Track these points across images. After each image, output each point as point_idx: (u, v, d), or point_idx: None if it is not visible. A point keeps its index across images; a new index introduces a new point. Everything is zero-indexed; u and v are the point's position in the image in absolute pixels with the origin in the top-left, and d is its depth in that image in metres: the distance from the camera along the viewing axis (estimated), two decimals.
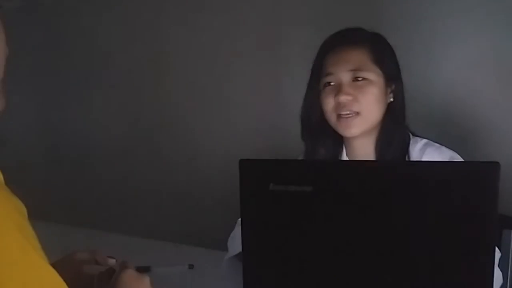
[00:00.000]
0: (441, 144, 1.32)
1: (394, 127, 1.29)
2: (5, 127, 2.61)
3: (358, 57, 1.27)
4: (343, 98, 1.25)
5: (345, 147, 1.35)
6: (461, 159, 1.28)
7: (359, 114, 1.25)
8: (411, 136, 1.32)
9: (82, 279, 0.96)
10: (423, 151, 1.29)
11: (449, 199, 0.84)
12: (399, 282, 0.87)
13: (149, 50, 2.37)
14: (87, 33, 2.51)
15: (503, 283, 1.23)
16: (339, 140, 1.35)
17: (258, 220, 0.91)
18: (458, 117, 1.74)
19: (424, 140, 1.32)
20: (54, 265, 0.64)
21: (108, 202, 2.49)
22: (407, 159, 1.28)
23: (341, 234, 0.88)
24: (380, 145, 1.30)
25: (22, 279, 0.60)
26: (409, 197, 0.85)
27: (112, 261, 0.99)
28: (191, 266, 1.36)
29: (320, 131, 1.33)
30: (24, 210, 0.63)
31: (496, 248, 1.06)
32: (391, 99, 1.30)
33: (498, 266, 1.19)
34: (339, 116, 1.26)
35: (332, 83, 1.28)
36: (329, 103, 1.28)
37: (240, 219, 0.92)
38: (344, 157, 1.35)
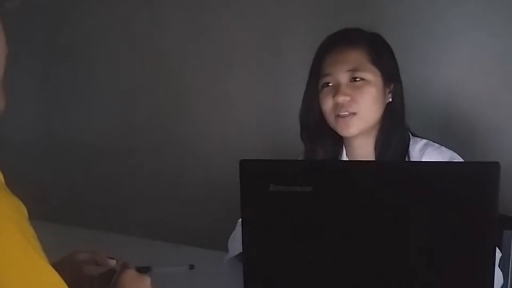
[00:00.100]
0: (441, 144, 1.32)
1: (393, 127, 1.30)
2: (5, 127, 2.61)
3: (356, 57, 1.27)
4: (341, 98, 1.25)
5: (345, 147, 1.35)
6: (461, 159, 1.28)
7: (357, 114, 1.25)
8: (411, 136, 1.32)
9: (83, 280, 0.96)
10: (423, 151, 1.29)
11: (449, 199, 0.84)
12: (400, 282, 0.87)
13: (149, 51, 2.37)
14: (87, 33, 2.50)
15: (503, 283, 1.23)
16: (339, 141, 1.35)
17: (258, 220, 0.91)
18: (458, 117, 1.74)
19: (424, 141, 1.32)
20: (55, 265, 0.64)
21: (109, 202, 2.49)
22: (407, 159, 1.28)
23: (341, 234, 0.88)
24: (380, 145, 1.30)
25: (23, 279, 0.60)
26: (409, 198, 0.86)
27: (112, 262, 0.99)
28: (191, 267, 1.36)
29: (320, 131, 1.33)
30: (24, 210, 0.63)
31: (497, 248, 1.06)
32: (390, 99, 1.30)
33: (499, 266, 1.19)
34: (337, 116, 1.27)
35: (330, 84, 1.28)
36: (327, 104, 1.28)
37: (240, 219, 0.92)
38: (344, 157, 1.35)
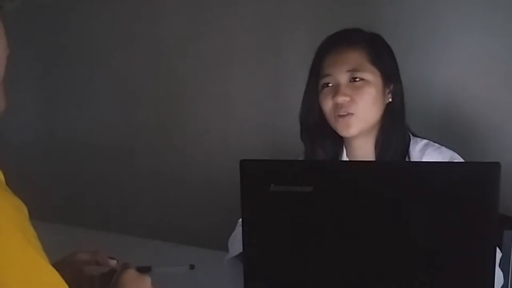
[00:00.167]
0: (441, 144, 1.32)
1: (393, 127, 1.30)
2: (5, 127, 2.61)
3: (356, 57, 1.27)
4: (341, 99, 1.25)
5: (345, 147, 1.35)
6: (461, 160, 1.28)
7: (357, 115, 1.25)
8: (411, 136, 1.32)
9: (83, 280, 0.96)
10: (423, 151, 1.29)
11: (450, 200, 0.84)
12: (400, 282, 0.87)
13: (149, 50, 2.37)
14: (87, 33, 2.50)
15: (504, 283, 1.23)
16: (339, 141, 1.35)
17: (258, 220, 0.91)
18: (458, 117, 1.74)
19: (424, 141, 1.32)
20: (55, 265, 0.64)
21: (109, 202, 2.49)
22: (407, 160, 1.28)
23: (341, 234, 0.88)
24: (380, 146, 1.30)
25: (23, 279, 0.60)
26: (409, 198, 0.86)
27: (113, 262, 0.99)
28: (192, 267, 1.36)
29: (319, 132, 1.33)
30: (25, 210, 0.64)
31: (497, 248, 1.06)
32: (390, 99, 1.30)
33: (499, 266, 1.19)
34: (337, 116, 1.27)
35: (330, 84, 1.28)
36: (327, 104, 1.28)
37: (240, 219, 0.92)
38: (344, 157, 1.35)
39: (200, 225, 2.20)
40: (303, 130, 1.36)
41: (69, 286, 0.65)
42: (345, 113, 1.25)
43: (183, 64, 2.29)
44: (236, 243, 1.30)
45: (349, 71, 1.26)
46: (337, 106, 1.26)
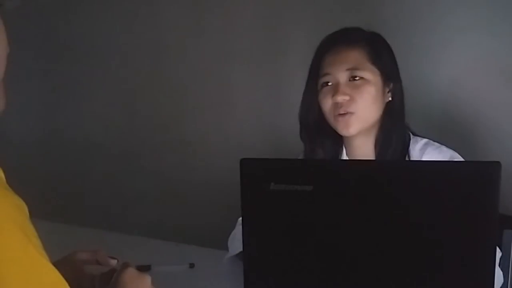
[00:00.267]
0: (441, 143, 1.32)
1: (393, 127, 1.30)
2: (6, 126, 2.61)
3: (355, 56, 1.27)
4: (340, 98, 1.25)
5: (345, 147, 1.35)
6: (461, 159, 1.28)
7: (356, 114, 1.25)
8: (411, 135, 1.32)
9: (83, 279, 0.97)
10: (423, 150, 1.29)
11: (450, 199, 0.84)
12: (400, 281, 0.87)
13: (149, 50, 2.37)
14: (87, 33, 2.50)
15: (503, 282, 1.23)
16: (339, 140, 1.35)
17: (258, 219, 0.91)
18: (458, 116, 1.74)
19: (425, 140, 1.32)
20: (55, 264, 0.64)
21: (109, 201, 2.49)
22: (407, 159, 1.28)
23: (341, 233, 0.88)
24: (380, 145, 1.30)
25: (24, 277, 0.60)
26: (409, 197, 0.86)
27: (113, 261, 0.99)
28: (191, 265, 1.36)
29: (319, 131, 1.33)
30: (25, 208, 0.64)
31: (497, 248, 1.06)
32: (390, 99, 1.30)
33: (499, 265, 1.19)
34: (337, 116, 1.27)
35: (329, 83, 1.28)
36: (327, 103, 1.28)
37: (240, 218, 0.92)
38: (344, 157, 1.35)
39: (200, 224, 2.20)
40: (302, 129, 1.36)
41: (69, 285, 0.65)
42: (345, 112, 1.25)
43: (183, 64, 2.29)
44: (236, 242, 1.30)
45: (348, 69, 1.26)
46: (336, 105, 1.26)
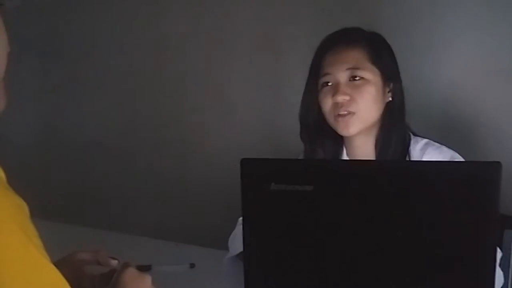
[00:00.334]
0: (441, 144, 1.32)
1: (393, 127, 1.29)
2: (6, 126, 2.61)
3: (355, 56, 1.27)
4: (340, 98, 1.25)
5: (345, 147, 1.35)
6: (462, 159, 1.28)
7: (356, 114, 1.25)
8: (411, 136, 1.32)
9: (84, 279, 0.97)
10: (423, 151, 1.29)
11: (450, 199, 0.84)
12: (400, 281, 0.87)
13: (149, 50, 2.37)
14: (88, 32, 2.50)
15: (504, 283, 1.23)
16: (339, 140, 1.35)
17: (259, 219, 0.91)
18: (458, 116, 1.74)
19: (425, 140, 1.31)
20: (56, 264, 0.64)
21: (109, 201, 2.49)
22: (407, 159, 1.28)
23: (341, 233, 0.88)
24: (380, 145, 1.30)
25: (24, 277, 0.60)
26: (409, 197, 0.86)
27: (114, 262, 0.99)
28: (192, 265, 1.36)
29: (319, 131, 1.33)
30: (26, 208, 0.64)
31: (497, 248, 1.06)
32: (390, 99, 1.30)
33: (499, 266, 1.19)
34: (337, 116, 1.26)
35: (329, 83, 1.28)
36: (327, 103, 1.28)
37: (241, 218, 0.92)
38: (344, 157, 1.35)
39: (200, 224, 2.20)
40: (302, 130, 1.36)
41: (69, 285, 0.65)
42: (345, 112, 1.25)
43: (183, 64, 2.29)
44: (236, 242, 1.30)
45: (348, 69, 1.26)
46: (336, 105, 1.26)
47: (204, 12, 2.20)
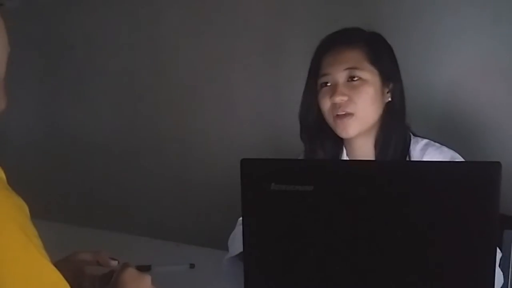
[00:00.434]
0: (442, 144, 1.32)
1: (393, 127, 1.29)
2: (6, 126, 2.61)
3: (354, 57, 1.27)
4: (338, 98, 1.25)
5: (345, 147, 1.35)
6: (462, 159, 1.28)
7: (354, 115, 1.25)
8: (412, 136, 1.32)
9: (84, 279, 0.97)
10: (424, 151, 1.29)
11: (450, 199, 0.84)
12: (400, 282, 0.87)
13: (149, 50, 2.37)
14: (88, 33, 2.50)
15: (504, 283, 1.23)
16: (339, 141, 1.34)
17: (259, 219, 0.91)
18: (458, 116, 1.74)
19: (425, 140, 1.31)
20: (56, 264, 0.64)
21: (110, 201, 2.49)
22: (408, 159, 1.28)
23: (342, 233, 0.88)
24: (379, 145, 1.30)
25: (24, 277, 0.60)
26: (410, 197, 0.85)
27: (114, 263, 0.99)
28: (192, 266, 1.36)
29: (319, 131, 1.33)
30: (26, 209, 0.64)
31: (497, 248, 1.06)
32: (389, 99, 1.30)
33: (499, 266, 1.19)
34: (335, 116, 1.26)
35: (328, 84, 1.28)
36: (325, 104, 1.28)
37: (241, 218, 0.92)
38: (345, 157, 1.35)
39: (200, 224, 2.20)
40: (302, 130, 1.36)
41: (69, 285, 0.65)
42: (343, 113, 1.25)
43: (184, 64, 2.29)
44: (236, 242, 1.30)
45: (347, 69, 1.26)
46: (335, 106, 1.26)
47: (204, 12, 2.20)
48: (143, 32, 2.37)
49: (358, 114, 1.25)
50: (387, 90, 1.29)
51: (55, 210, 2.10)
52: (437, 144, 1.31)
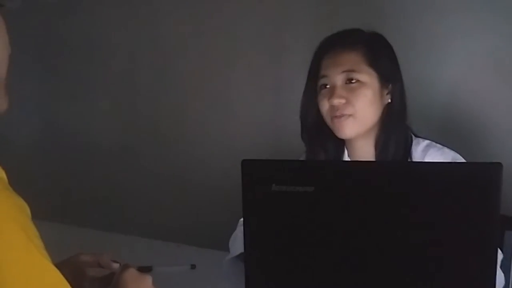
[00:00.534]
0: (443, 145, 1.31)
1: (393, 128, 1.29)
2: (6, 126, 2.61)
3: (352, 59, 1.26)
4: (336, 101, 1.25)
5: (347, 148, 1.35)
6: (463, 160, 1.28)
7: (353, 117, 1.25)
8: (413, 137, 1.32)
9: (85, 281, 0.97)
10: (425, 152, 1.29)
11: (451, 200, 0.84)
12: (401, 282, 0.87)
13: (149, 50, 2.37)
14: (89, 33, 2.50)
15: (505, 284, 1.23)
16: (340, 142, 1.34)
17: (260, 220, 0.91)
18: (460, 117, 1.74)
19: (427, 141, 1.31)
20: (58, 265, 0.64)
21: (110, 202, 2.49)
22: (409, 160, 1.27)
23: (342, 234, 0.88)
24: (380, 146, 1.29)
25: (25, 278, 0.60)
26: (410, 198, 0.85)
27: (116, 265, 0.99)
28: (193, 266, 1.36)
29: (319, 132, 1.33)
30: (27, 209, 0.64)
31: (498, 250, 1.06)
32: (389, 100, 1.29)
33: (500, 267, 1.19)
34: (333, 118, 1.26)
35: (327, 86, 1.28)
36: (324, 106, 1.28)
37: (241, 219, 0.92)
38: (346, 158, 1.35)
39: (201, 225, 2.20)
40: (303, 130, 1.36)
41: (70, 286, 0.65)
42: (341, 115, 1.25)
43: (183, 64, 2.29)
44: (237, 243, 1.30)
45: (344, 72, 1.26)
46: (333, 108, 1.26)
47: (205, 12, 2.20)
48: (143, 32, 2.36)
49: (356, 116, 1.25)
50: (386, 92, 1.29)
51: (55, 210, 2.10)
52: (438, 145, 1.30)
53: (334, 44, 1.30)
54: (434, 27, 1.75)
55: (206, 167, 2.28)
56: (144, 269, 1.24)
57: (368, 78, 1.26)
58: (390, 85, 1.29)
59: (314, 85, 1.31)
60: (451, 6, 1.72)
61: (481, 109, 1.72)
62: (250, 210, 0.90)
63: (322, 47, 1.31)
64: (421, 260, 0.85)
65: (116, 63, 2.45)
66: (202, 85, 2.26)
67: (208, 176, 2.26)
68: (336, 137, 1.31)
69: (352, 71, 1.25)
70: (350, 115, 1.25)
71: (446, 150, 1.29)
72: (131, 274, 0.87)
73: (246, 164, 0.89)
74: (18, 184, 0.67)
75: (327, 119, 1.29)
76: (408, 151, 1.29)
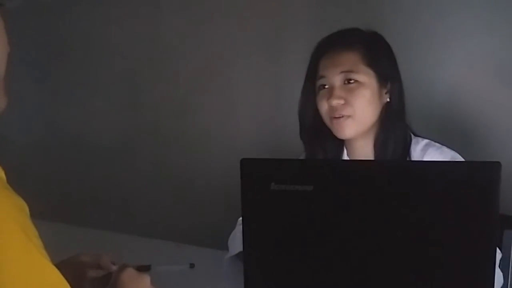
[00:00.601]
0: (442, 144, 1.32)
1: (392, 127, 1.29)
2: (6, 125, 2.61)
3: (350, 59, 1.26)
4: (335, 102, 1.25)
5: (346, 148, 1.35)
6: (462, 159, 1.28)
7: (352, 117, 1.25)
8: (412, 136, 1.32)
9: (84, 281, 0.97)
10: (424, 151, 1.29)
11: (450, 199, 0.84)
12: (400, 282, 0.87)
13: (149, 50, 2.37)
14: (89, 33, 2.50)
15: (503, 283, 1.23)
16: (340, 142, 1.34)
17: (259, 219, 0.91)
18: (458, 116, 1.74)
19: (426, 141, 1.31)
20: (58, 265, 0.64)
21: (109, 201, 2.49)
22: (408, 159, 1.28)
23: (341, 233, 0.88)
24: (379, 145, 1.30)
25: (25, 277, 0.60)
26: (409, 197, 0.85)
27: (115, 267, 0.99)
28: (192, 265, 1.36)
29: (318, 132, 1.33)
30: (26, 209, 0.64)
31: (497, 249, 1.06)
32: (387, 100, 1.29)
33: (499, 266, 1.19)
34: (332, 118, 1.27)
35: (326, 86, 1.28)
36: (323, 106, 1.28)
37: (240, 218, 0.92)
38: (345, 157, 1.35)
39: (200, 224, 2.20)
40: (302, 130, 1.36)
41: (70, 286, 0.65)
42: (340, 116, 1.25)
43: (184, 64, 2.29)
44: (236, 242, 1.30)
45: (343, 72, 1.26)
46: (332, 108, 1.26)
47: (205, 12, 2.20)
48: (143, 32, 2.36)
49: (355, 116, 1.25)
50: (385, 91, 1.29)
51: (55, 210, 2.10)
52: (437, 145, 1.30)
53: (332, 44, 1.29)
54: (434, 27, 1.75)
55: (205, 167, 2.28)
56: (143, 268, 1.24)
57: (366, 78, 1.26)
58: (389, 84, 1.29)
59: (312, 85, 1.31)
60: (451, 6, 1.72)
61: (480, 109, 1.72)
62: (249, 209, 0.90)
63: (320, 47, 1.31)
64: (420, 259, 0.85)
65: (116, 63, 2.45)
66: (202, 85, 2.26)
67: (207, 176, 2.26)
68: (335, 136, 1.31)
69: (351, 71, 1.25)
70: (349, 116, 1.25)
71: (445, 149, 1.30)
72: (129, 273, 0.87)
73: (245, 163, 0.89)
74: (18, 184, 0.67)
75: (326, 120, 1.29)
76: (407, 150, 1.29)
